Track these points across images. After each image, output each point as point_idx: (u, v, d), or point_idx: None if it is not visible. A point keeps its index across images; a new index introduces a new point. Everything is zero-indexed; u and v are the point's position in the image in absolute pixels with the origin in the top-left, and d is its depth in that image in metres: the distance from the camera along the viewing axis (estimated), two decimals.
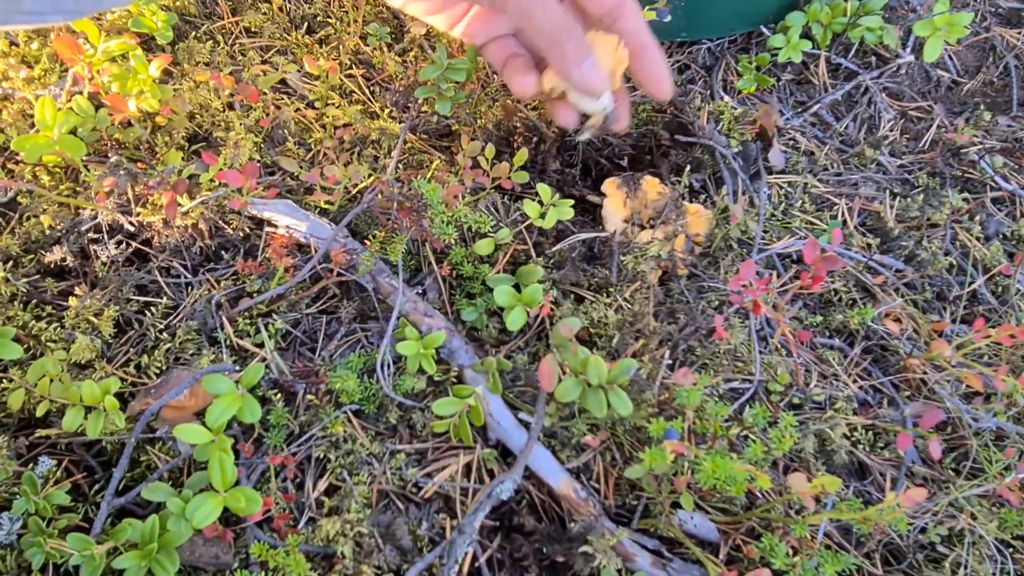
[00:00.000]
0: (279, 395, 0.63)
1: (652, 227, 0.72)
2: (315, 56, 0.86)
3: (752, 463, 0.56)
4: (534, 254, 0.72)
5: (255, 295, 0.68)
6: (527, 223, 0.71)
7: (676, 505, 0.62)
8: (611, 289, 0.70)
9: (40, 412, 0.58)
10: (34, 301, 0.67)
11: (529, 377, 0.66)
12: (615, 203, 0.72)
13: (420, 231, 0.68)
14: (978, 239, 0.79)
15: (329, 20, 0.92)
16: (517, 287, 0.67)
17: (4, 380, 0.62)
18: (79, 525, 0.58)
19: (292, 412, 0.64)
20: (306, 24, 0.92)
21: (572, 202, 0.69)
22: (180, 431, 0.56)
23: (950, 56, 0.91)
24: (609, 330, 0.66)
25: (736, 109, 0.85)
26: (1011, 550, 0.63)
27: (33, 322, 0.65)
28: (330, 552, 0.56)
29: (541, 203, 0.69)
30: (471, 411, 0.60)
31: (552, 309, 0.67)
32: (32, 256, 0.69)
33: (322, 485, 0.61)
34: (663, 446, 0.54)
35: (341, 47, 0.90)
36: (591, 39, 0.48)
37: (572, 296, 0.71)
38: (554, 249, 0.70)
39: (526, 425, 0.64)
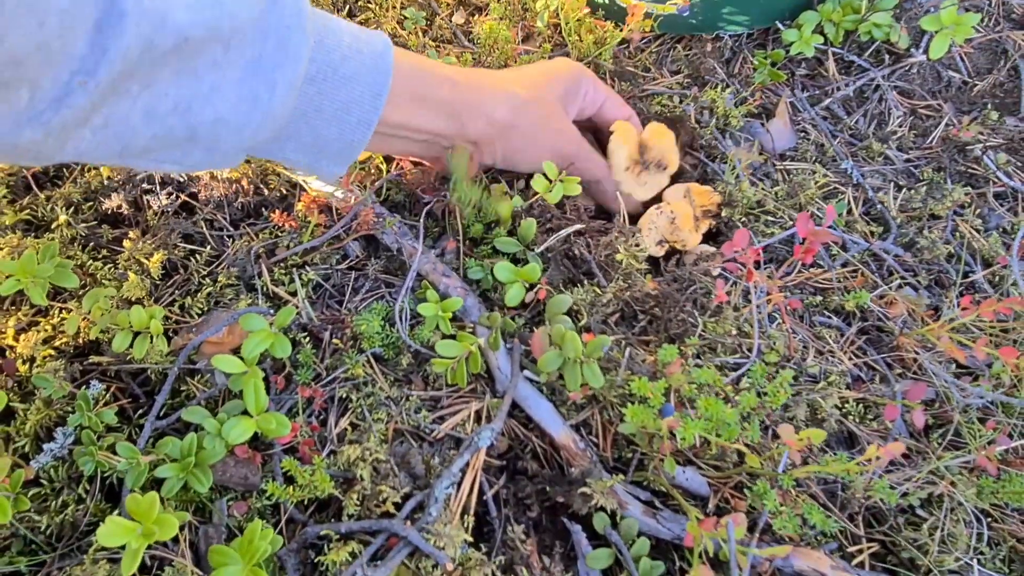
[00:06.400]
0: (308, 338, 0.69)
1: (653, 168, 0.76)
2: None
3: (745, 415, 0.60)
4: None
5: (290, 247, 0.74)
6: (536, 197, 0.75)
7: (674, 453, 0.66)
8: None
9: (92, 335, 0.64)
10: (91, 244, 0.73)
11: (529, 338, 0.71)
12: (623, 134, 0.76)
13: (443, 204, 0.74)
14: (977, 231, 0.83)
15: (369, 5, 0.98)
16: (515, 260, 0.72)
17: (63, 311, 0.68)
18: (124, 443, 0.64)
19: (319, 356, 0.70)
20: (348, 7, 0.99)
21: (579, 179, 0.73)
22: (218, 360, 0.61)
23: (961, 57, 0.94)
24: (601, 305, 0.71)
25: (744, 92, 0.89)
26: (989, 519, 0.67)
27: (90, 262, 0.71)
28: (350, 476, 0.61)
29: (549, 180, 0.73)
30: (471, 357, 0.65)
31: (548, 292, 0.71)
32: (91, 203, 0.76)
33: (344, 422, 0.67)
34: (657, 419, 0.58)
35: (379, 30, 0.95)
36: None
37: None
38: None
39: (532, 381, 0.68)
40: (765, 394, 0.63)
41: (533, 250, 0.72)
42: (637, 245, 0.73)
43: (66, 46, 0.37)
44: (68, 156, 0.44)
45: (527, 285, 0.69)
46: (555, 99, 0.74)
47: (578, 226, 0.72)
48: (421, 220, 0.74)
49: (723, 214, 0.78)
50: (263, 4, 0.48)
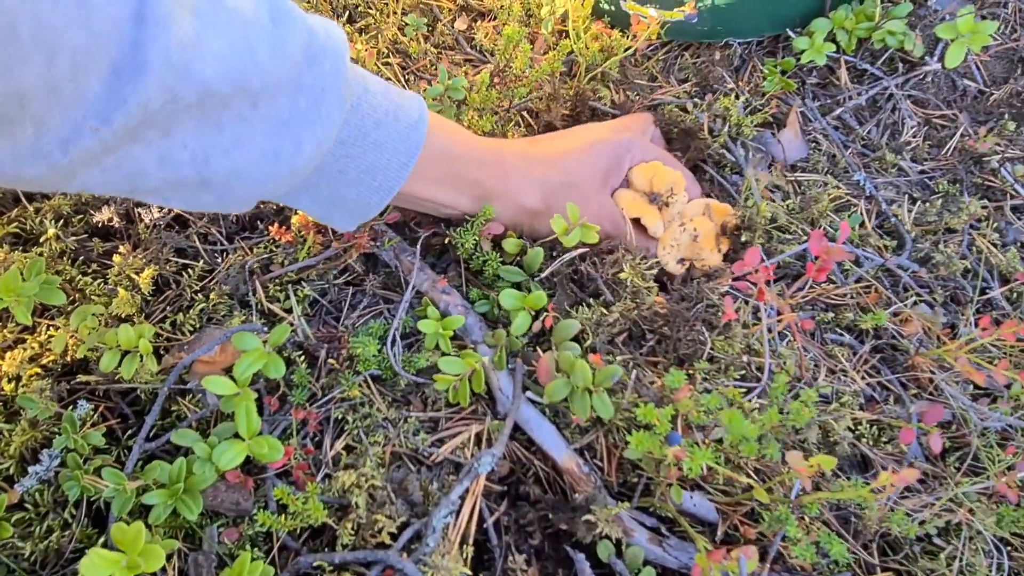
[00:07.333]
0: (303, 357, 0.67)
1: (670, 199, 0.74)
2: (354, 42, 0.90)
3: (763, 434, 0.57)
4: None
5: (285, 264, 0.72)
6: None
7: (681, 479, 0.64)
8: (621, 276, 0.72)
9: (80, 353, 0.62)
10: (81, 258, 0.71)
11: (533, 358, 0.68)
12: (634, 208, 0.74)
13: (440, 239, 0.72)
14: (994, 246, 0.80)
15: (370, 11, 0.96)
16: (519, 286, 0.70)
17: (51, 328, 0.66)
18: (112, 466, 0.61)
19: (314, 375, 0.67)
20: (347, 13, 0.97)
21: (598, 228, 0.69)
22: (208, 382, 0.59)
23: (977, 65, 0.92)
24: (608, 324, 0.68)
25: (755, 102, 0.87)
26: (1009, 548, 0.64)
27: (79, 277, 0.69)
28: (345, 503, 0.59)
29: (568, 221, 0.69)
30: (474, 375, 0.63)
31: (555, 320, 0.68)
32: (81, 216, 0.74)
33: (339, 444, 0.64)
34: (664, 446, 0.56)
35: (380, 36, 0.93)
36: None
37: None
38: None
39: (533, 403, 0.66)
40: (786, 412, 0.61)
41: (536, 277, 0.70)
42: (644, 260, 0.71)
43: (78, 87, 0.35)
44: (75, 188, 0.43)
45: (533, 313, 0.67)
46: (593, 175, 0.72)
47: (583, 249, 0.70)
48: (420, 244, 0.72)
49: (744, 238, 0.76)
50: (300, 61, 0.46)
